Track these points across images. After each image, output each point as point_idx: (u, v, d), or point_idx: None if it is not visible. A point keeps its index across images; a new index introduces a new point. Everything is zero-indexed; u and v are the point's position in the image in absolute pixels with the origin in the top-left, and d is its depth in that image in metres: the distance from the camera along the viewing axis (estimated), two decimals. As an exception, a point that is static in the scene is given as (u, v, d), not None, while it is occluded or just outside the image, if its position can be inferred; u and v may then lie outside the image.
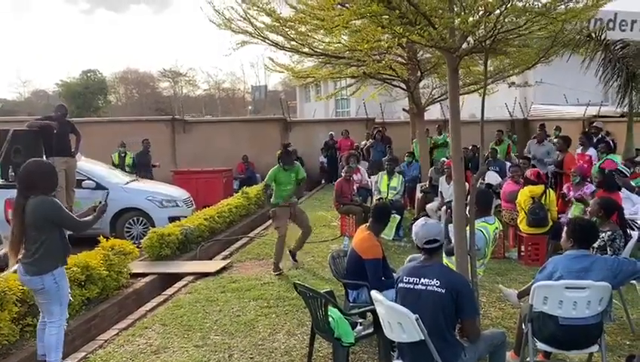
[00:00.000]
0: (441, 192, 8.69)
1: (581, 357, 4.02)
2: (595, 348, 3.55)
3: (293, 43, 8.55)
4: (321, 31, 7.97)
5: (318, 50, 9.18)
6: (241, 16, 7.97)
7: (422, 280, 3.11)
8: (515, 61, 9.52)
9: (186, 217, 8.89)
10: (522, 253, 7.04)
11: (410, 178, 10.56)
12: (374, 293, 3.30)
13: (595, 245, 4.65)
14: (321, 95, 21.77)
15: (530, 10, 3.54)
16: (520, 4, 3.57)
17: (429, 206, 8.75)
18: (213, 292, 6.02)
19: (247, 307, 5.50)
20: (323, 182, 15.83)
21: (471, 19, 3.44)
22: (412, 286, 3.14)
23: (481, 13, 3.63)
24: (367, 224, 4.70)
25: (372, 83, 12.28)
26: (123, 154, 12.89)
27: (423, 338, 2.93)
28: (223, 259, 7.55)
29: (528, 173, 7.57)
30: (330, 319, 3.66)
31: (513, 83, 18.78)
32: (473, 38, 3.76)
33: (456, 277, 3.18)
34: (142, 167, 12.61)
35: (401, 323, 3.02)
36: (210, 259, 7.71)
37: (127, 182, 9.85)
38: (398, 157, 11.19)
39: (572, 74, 12.39)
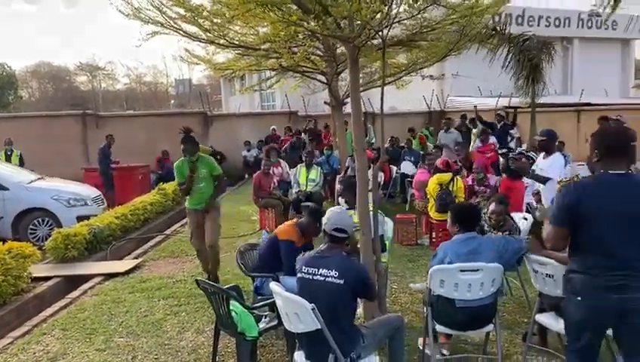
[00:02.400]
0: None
1: (481, 336, 4.19)
2: (490, 327, 3.71)
3: (209, 34, 8.35)
4: (238, 22, 7.84)
5: (234, 42, 9.02)
6: (153, 5, 7.69)
7: (321, 270, 3.10)
8: (427, 54, 9.81)
9: (96, 216, 8.48)
10: (433, 239, 7.27)
11: (331, 170, 10.66)
12: (273, 285, 3.26)
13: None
14: (246, 87, 21.53)
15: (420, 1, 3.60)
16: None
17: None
18: (121, 293, 5.77)
19: (156, 306, 5.32)
20: (247, 176, 15.65)
21: (362, 11, 3.45)
22: (311, 277, 3.13)
23: (376, 5, 3.66)
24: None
25: (293, 76, 12.26)
26: (9, 153, 12.14)
27: (320, 327, 2.93)
28: (135, 258, 7.27)
29: (438, 162, 7.83)
30: (233, 314, 3.59)
31: (430, 76, 19.21)
32: (369, 28, 3.78)
33: (355, 267, 3.19)
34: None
35: (297, 314, 3.00)
36: (122, 258, 7.39)
37: (31, 181, 9.25)
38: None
39: (486, 67, 12.97)
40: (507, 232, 4.84)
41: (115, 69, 60.12)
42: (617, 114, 9.69)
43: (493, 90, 18.29)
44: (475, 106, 11.57)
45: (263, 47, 9.47)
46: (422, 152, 11.10)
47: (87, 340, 4.60)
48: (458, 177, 7.24)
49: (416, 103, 19.35)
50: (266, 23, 7.33)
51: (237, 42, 9.47)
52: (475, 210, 4.04)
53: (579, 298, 2.83)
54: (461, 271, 3.49)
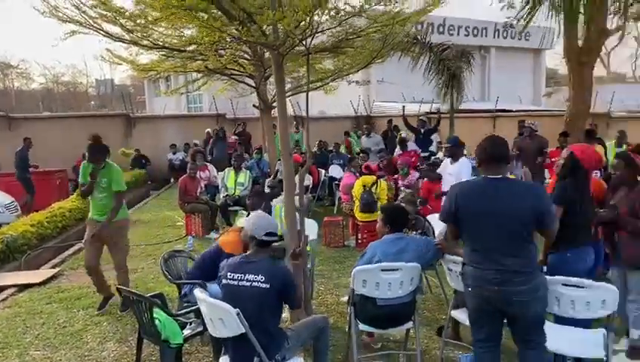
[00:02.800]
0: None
1: (402, 333, 4.36)
2: (410, 324, 3.88)
3: (132, 35, 8.12)
4: (163, 23, 7.69)
5: (159, 43, 8.83)
6: (72, 4, 7.37)
7: (247, 276, 3.12)
8: (352, 61, 10.07)
9: (8, 224, 8.00)
10: (359, 241, 7.46)
11: (261, 173, 10.68)
12: (197, 292, 3.25)
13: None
14: (171, 89, 21.01)
15: (341, 12, 3.73)
16: (331, 6, 3.75)
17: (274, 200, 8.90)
18: (37, 304, 5.50)
19: (75, 317, 5.11)
20: (172, 180, 15.29)
21: (285, 20, 3.52)
22: (237, 283, 3.14)
23: (299, 13, 3.74)
24: None
25: (220, 78, 12.15)
26: None
27: (245, 331, 2.96)
28: (52, 267, 6.93)
29: (363, 166, 8.07)
30: (156, 322, 3.54)
31: (357, 81, 19.77)
32: (292, 37, 3.86)
33: (282, 272, 3.24)
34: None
35: (222, 319, 3.02)
36: (38, 268, 7.02)
37: None
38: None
39: (409, 74, 13.44)
40: (420, 231, 5.09)
41: (30, 68, 56.74)
42: (530, 121, 10.41)
43: (415, 96, 18.98)
44: (404, 107, 11.97)
45: (188, 49, 9.36)
46: (349, 156, 11.35)
47: (0, 355, 4.36)
48: (382, 180, 7.48)
49: (344, 108, 19.73)
50: (191, 25, 7.27)
51: (161, 43, 9.30)
52: (405, 213, 4.22)
53: (469, 289, 3.19)
54: (382, 270, 3.63)
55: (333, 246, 7.57)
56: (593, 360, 3.48)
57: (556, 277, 3.32)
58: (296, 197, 8.54)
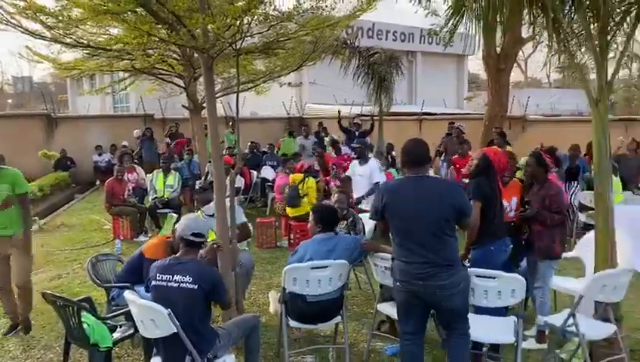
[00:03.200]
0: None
1: (332, 329, 4.52)
2: (339, 319, 4.05)
3: (53, 32, 7.81)
4: (88, 21, 7.46)
5: (83, 42, 8.54)
6: (-17, -3, 7.00)
7: (175, 277, 3.16)
8: (283, 62, 10.16)
9: None
10: (292, 241, 7.59)
11: (191, 175, 10.55)
12: (127, 294, 3.25)
13: (343, 230, 5.33)
14: (97, 88, 20.26)
15: (270, 18, 3.83)
16: (260, 12, 3.84)
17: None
18: (-48, 314, 5.21)
19: (-5, 326, 4.90)
20: (98, 183, 14.75)
21: (214, 24, 3.58)
22: (165, 284, 3.17)
23: (229, 19, 3.80)
24: None
25: (148, 78, 11.88)
26: None
27: (176, 331, 3.00)
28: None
29: (298, 165, 8.22)
30: (85, 326, 3.49)
31: (289, 83, 19.77)
32: (222, 40, 3.92)
33: (209, 273, 3.29)
34: None
35: (153, 320, 3.04)
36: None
37: None
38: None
39: (341, 76, 13.73)
40: (351, 219, 5.32)
41: None
42: (457, 123, 10.96)
43: (347, 99, 19.37)
44: (339, 111, 12.21)
45: (114, 47, 9.10)
46: (282, 157, 11.45)
47: None
48: (310, 178, 7.63)
49: (276, 109, 19.80)
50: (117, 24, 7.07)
51: (86, 42, 8.99)
52: (336, 213, 4.38)
53: (398, 283, 3.37)
54: (312, 268, 3.77)
55: (265, 247, 7.64)
56: (507, 346, 3.80)
57: (470, 269, 3.60)
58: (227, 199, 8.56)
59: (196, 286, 3.11)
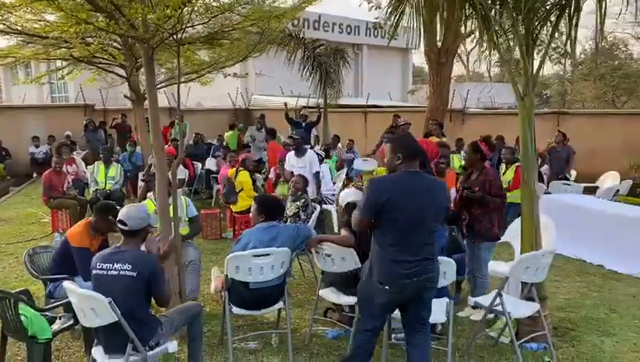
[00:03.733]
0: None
1: (275, 315, 4.63)
2: (280, 304, 4.16)
3: (-17, 18, 7.47)
4: (22, 7, 7.19)
5: (17, 28, 8.21)
6: None
7: (115, 265, 3.18)
8: (228, 53, 10.11)
9: None
10: (236, 232, 7.63)
11: (134, 167, 10.36)
12: (66, 284, 3.24)
13: (292, 211, 5.46)
14: (32, 77, 19.39)
15: (211, 9, 3.86)
16: (201, 2, 3.87)
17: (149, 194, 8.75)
18: None
19: None
20: (35, 175, 14.19)
21: (154, 14, 3.57)
22: (105, 272, 3.19)
23: (169, 10, 3.80)
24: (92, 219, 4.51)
25: (87, 67, 11.52)
26: None
27: (117, 319, 3.03)
28: None
29: (240, 157, 8.24)
30: (22, 318, 3.44)
31: (235, 73, 19.51)
32: (162, 31, 3.91)
33: (148, 260, 3.33)
34: None
35: (94, 309, 3.05)
36: None
37: None
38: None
39: (288, 68, 13.76)
40: (303, 201, 5.46)
41: None
42: (403, 118, 11.25)
43: (293, 90, 19.44)
44: (285, 103, 12.25)
45: (51, 35, 8.79)
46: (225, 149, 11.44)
47: None
48: (243, 172, 7.67)
49: (222, 100, 19.61)
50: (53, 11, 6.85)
51: (20, 28, 8.66)
52: (279, 203, 4.47)
53: (385, 286, 3.19)
54: (254, 256, 3.86)
55: (210, 239, 7.65)
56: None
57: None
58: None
59: (135, 274, 3.14)
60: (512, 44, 4.57)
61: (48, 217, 8.40)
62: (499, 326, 4.52)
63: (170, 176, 4.50)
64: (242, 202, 7.41)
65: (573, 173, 9.93)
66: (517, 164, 7.44)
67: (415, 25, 7.63)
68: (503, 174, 7.59)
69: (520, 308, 4.09)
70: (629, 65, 31.75)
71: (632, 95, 30.35)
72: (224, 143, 12.39)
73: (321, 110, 12.22)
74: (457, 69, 41.44)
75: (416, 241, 3.20)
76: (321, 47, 11.49)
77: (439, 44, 11.80)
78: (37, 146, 14.37)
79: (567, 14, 4.26)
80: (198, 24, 4.20)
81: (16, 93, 29.31)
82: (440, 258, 3.72)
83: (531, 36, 4.28)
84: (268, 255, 3.88)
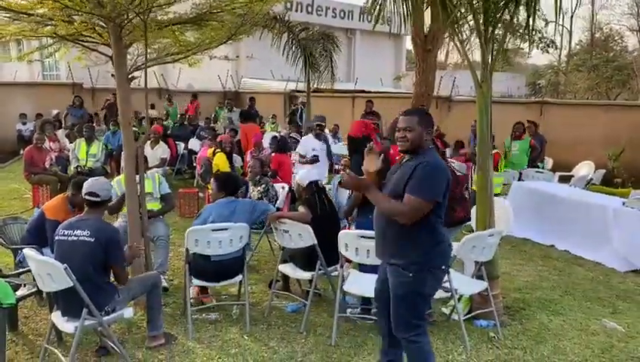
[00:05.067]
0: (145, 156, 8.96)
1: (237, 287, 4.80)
2: (240, 277, 4.34)
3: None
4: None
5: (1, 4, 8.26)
6: None
7: (75, 231, 3.36)
8: (215, 34, 10.17)
9: None
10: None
11: (118, 146, 10.46)
12: (26, 251, 3.39)
13: (256, 197, 5.61)
14: (19, 55, 19.34)
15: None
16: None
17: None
18: None
19: None
20: (22, 152, 14.23)
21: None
22: (66, 238, 3.36)
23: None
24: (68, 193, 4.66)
25: (75, 45, 11.55)
26: None
27: (73, 284, 3.19)
28: None
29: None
30: (-13, 285, 3.60)
31: (226, 56, 19.37)
32: (129, 10, 4.01)
33: (107, 228, 3.49)
34: None
35: (50, 274, 3.21)
36: None
37: None
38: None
39: (279, 52, 13.79)
40: (264, 186, 5.64)
41: None
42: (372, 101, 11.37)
43: (284, 74, 19.48)
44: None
45: (37, 12, 8.83)
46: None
47: None
48: (220, 153, 7.81)
49: (213, 82, 19.65)
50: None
51: (4, 4, 8.69)
52: (237, 179, 4.64)
53: (443, 266, 3.04)
54: (212, 230, 4.02)
55: (187, 217, 7.81)
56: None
57: (355, 231, 3.96)
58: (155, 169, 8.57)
59: (93, 239, 3.31)
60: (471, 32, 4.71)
61: (30, 193, 8.53)
62: (451, 304, 4.70)
63: (146, 154, 4.67)
64: (218, 183, 7.56)
65: (550, 161, 10.10)
66: (493, 151, 7.78)
67: (401, 10, 7.73)
68: None
69: (467, 286, 4.27)
70: (624, 58, 31.87)
71: (624, 87, 30.48)
72: (210, 125, 12.50)
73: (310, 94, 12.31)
74: (453, 56, 41.43)
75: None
76: (306, 31, 11.53)
77: (426, 30, 11.84)
78: (24, 123, 14.41)
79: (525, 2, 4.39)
80: (166, 4, 4.29)
81: (8, 70, 29.18)
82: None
83: (489, 23, 4.41)
84: (226, 229, 4.05)
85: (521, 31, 16.01)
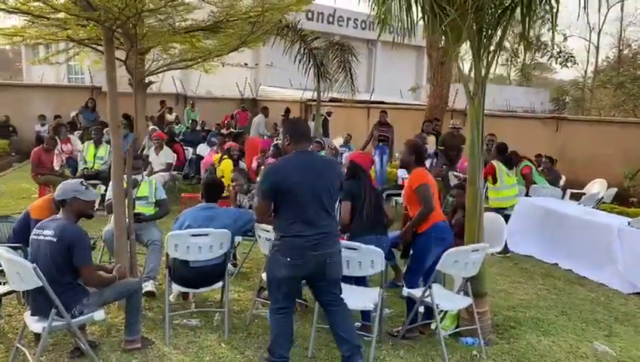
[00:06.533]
0: (150, 162, 9.04)
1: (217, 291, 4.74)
2: (221, 284, 4.31)
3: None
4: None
5: (19, 8, 8.48)
6: None
7: (44, 231, 3.38)
8: (223, 43, 10.29)
9: None
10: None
11: (126, 149, 10.59)
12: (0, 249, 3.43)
13: (249, 204, 5.60)
14: (41, 57, 19.82)
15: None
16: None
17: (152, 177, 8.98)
18: None
19: None
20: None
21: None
22: (36, 238, 3.40)
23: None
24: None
25: (93, 50, 11.79)
26: None
27: (41, 284, 3.20)
28: None
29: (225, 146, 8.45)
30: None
31: (246, 64, 19.73)
32: (123, 15, 4.06)
33: (71, 228, 3.46)
34: None
35: (19, 273, 3.23)
36: None
37: None
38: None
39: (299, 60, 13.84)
40: (253, 192, 5.67)
41: None
42: (386, 112, 11.32)
43: (302, 83, 19.56)
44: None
45: (53, 16, 9.03)
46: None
47: None
48: (227, 160, 7.81)
49: (232, 89, 19.84)
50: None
51: (24, 8, 8.91)
52: (218, 187, 4.63)
53: (287, 259, 3.36)
54: (192, 235, 4.01)
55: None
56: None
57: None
58: (160, 174, 8.61)
59: (56, 240, 3.32)
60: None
61: (37, 192, 8.68)
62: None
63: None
64: (221, 190, 7.55)
65: (562, 178, 9.86)
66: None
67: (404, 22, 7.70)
68: None
69: (451, 302, 4.17)
70: (653, 75, 31.13)
71: (651, 105, 29.72)
72: (221, 131, 12.59)
73: (330, 105, 12.30)
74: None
75: (314, 216, 3.36)
76: (318, 40, 11.54)
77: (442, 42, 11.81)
78: (43, 125, 14.74)
79: (520, 15, 4.30)
80: (155, 8, 4.35)
81: (36, 73, 29.93)
82: (367, 246, 3.85)
83: (482, 36, 4.33)
84: (207, 235, 4.03)
85: (535, 45, 15.90)
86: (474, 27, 4.27)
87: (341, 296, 3.63)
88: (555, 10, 4.18)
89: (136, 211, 5.19)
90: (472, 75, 4.57)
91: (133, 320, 3.86)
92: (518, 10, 4.22)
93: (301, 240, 3.35)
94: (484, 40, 4.34)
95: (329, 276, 3.49)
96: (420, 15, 4.61)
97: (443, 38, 4.61)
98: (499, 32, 4.38)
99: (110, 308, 4.41)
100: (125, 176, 4.60)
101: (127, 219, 4.56)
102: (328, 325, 3.67)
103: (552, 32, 4.27)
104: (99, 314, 3.52)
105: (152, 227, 5.38)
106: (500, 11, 4.31)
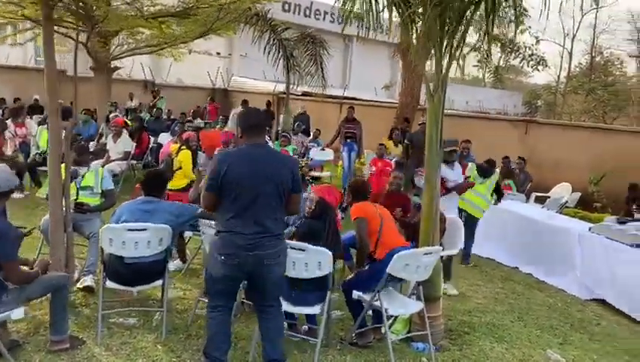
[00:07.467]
0: (107, 150, 8.72)
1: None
2: (160, 282, 4.06)
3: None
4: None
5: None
6: None
7: None
8: (189, 29, 9.97)
9: None
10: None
11: (89, 136, 10.22)
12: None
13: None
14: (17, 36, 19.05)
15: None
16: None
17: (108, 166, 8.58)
18: None
19: None
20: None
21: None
22: None
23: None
24: None
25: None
26: None
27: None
28: None
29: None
30: None
31: (218, 53, 19.29)
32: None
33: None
34: None
35: None
36: None
37: None
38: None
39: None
40: None
41: None
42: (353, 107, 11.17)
43: (275, 75, 19.28)
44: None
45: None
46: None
47: None
48: (185, 150, 7.49)
49: (203, 79, 19.43)
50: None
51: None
52: (159, 179, 4.35)
53: (222, 257, 3.16)
54: (128, 229, 3.75)
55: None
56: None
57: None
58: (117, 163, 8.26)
59: None
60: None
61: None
62: (389, 323, 4.44)
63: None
64: (177, 181, 7.21)
65: (531, 179, 9.84)
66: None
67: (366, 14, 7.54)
68: None
69: (401, 306, 4.01)
70: (624, 83, 31.73)
71: (620, 112, 30.30)
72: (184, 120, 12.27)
73: (302, 98, 12.08)
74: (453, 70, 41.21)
75: (256, 214, 3.16)
76: (288, 31, 11.28)
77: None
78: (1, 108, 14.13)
79: (485, 10, 4.15)
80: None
81: (1, 53, 28.89)
82: (314, 247, 3.64)
83: (444, 33, 4.17)
84: (144, 230, 3.78)
85: (508, 47, 15.93)
86: (436, 21, 4.10)
87: (279, 301, 3.45)
88: (519, 7, 4.04)
89: (79, 201, 4.92)
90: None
91: (60, 318, 3.58)
92: (483, 6, 4.10)
93: (237, 238, 3.14)
94: (447, 36, 4.17)
95: (268, 279, 3.26)
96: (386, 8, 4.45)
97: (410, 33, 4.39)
98: (462, 28, 4.23)
99: (43, 303, 4.11)
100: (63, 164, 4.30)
101: (63, 210, 4.27)
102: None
103: (515, 28, 4.14)
104: (17, 313, 3.24)
105: (96, 218, 5.07)
106: (463, 6, 4.15)
